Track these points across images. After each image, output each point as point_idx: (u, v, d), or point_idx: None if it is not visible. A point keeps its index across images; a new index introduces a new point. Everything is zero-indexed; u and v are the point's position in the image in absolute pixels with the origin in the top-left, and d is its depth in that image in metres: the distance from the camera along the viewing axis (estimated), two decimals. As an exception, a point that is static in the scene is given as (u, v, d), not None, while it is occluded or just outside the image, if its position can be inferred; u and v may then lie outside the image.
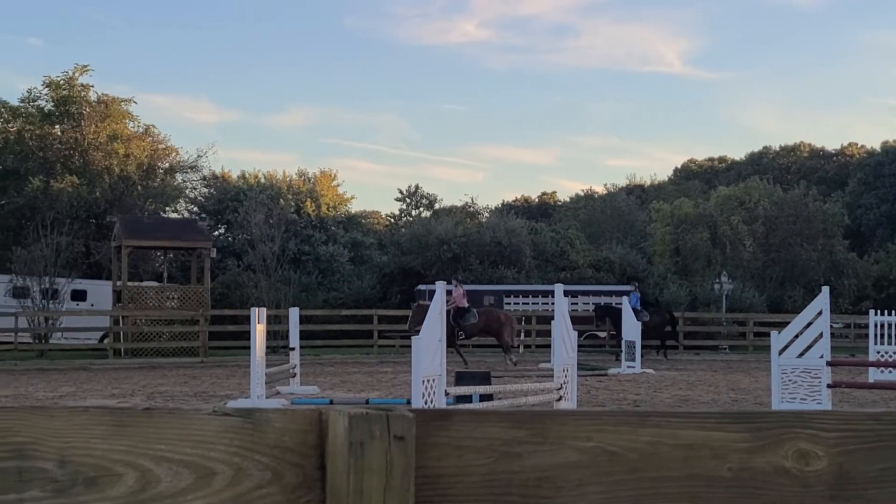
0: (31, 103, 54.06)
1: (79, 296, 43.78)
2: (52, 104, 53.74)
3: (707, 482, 2.11)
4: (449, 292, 34.72)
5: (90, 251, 49.58)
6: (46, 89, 53.73)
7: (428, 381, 14.69)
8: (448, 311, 33.09)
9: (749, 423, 2.16)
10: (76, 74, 53.55)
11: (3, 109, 54.19)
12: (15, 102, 54.45)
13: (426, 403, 14.26)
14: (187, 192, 59.76)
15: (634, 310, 35.02)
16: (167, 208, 56.96)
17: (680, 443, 2.10)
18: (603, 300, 42.84)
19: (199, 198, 59.97)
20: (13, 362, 34.68)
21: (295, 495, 1.89)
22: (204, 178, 60.30)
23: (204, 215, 55.82)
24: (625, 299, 34.73)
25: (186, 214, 57.69)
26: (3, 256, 47.80)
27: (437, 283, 16.24)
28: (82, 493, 1.80)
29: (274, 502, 1.88)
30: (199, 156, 58.90)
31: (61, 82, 53.44)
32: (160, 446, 1.84)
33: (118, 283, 40.93)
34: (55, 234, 42.63)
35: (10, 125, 54.18)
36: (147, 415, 1.86)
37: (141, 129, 56.49)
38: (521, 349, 42.37)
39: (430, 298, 18.58)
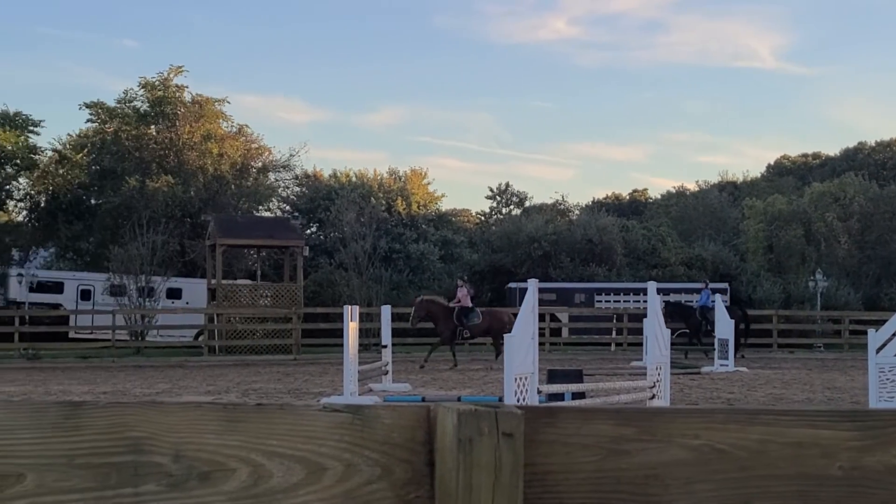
0: (128, 104, 54.96)
1: (174, 294, 44.45)
2: (148, 105, 54.57)
3: (817, 481, 2.08)
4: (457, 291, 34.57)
5: (185, 250, 50.26)
6: (142, 90, 54.59)
7: (520, 378, 14.68)
8: (451, 309, 32.86)
9: (860, 422, 2.13)
10: (171, 75, 54.34)
11: (100, 110, 55.14)
12: (112, 103, 55.42)
13: (518, 401, 14.23)
14: (280, 190, 60.34)
15: (704, 308, 34.57)
16: (260, 207, 57.53)
17: (789, 441, 2.08)
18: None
19: (292, 196, 60.51)
20: (111, 359, 35.29)
21: (404, 491, 1.90)
22: (296, 177, 60.85)
23: (297, 214, 56.32)
24: (718, 297, 34.32)
25: (279, 213, 58.23)
26: (101, 255, 48.70)
27: (529, 280, 16.22)
28: (196, 488, 1.83)
29: (383, 497, 1.89)
30: (291, 155, 59.45)
31: (157, 83, 54.25)
32: (272, 442, 1.86)
33: (213, 281, 41.43)
34: (151, 233, 43.31)
35: (107, 126, 55.11)
36: (259, 411, 1.88)
37: (234, 129, 57.14)
38: (613, 347, 42.15)
39: (521, 296, 18.56)
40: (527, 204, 76.64)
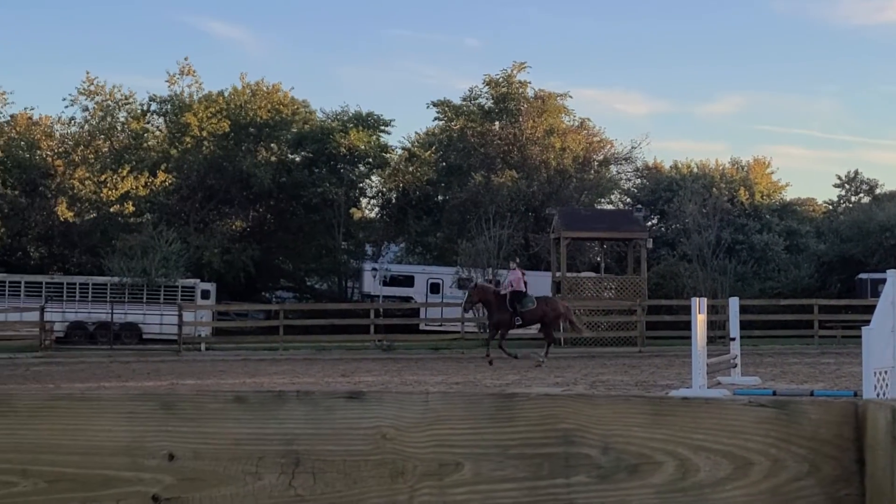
0: (473, 101, 56.38)
1: (518, 287, 45.23)
2: (492, 101, 55.79)
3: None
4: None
5: (529, 243, 51.03)
6: (486, 87, 55.86)
7: (880, 373, 14.09)
8: (504, 296, 30.58)
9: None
10: (514, 72, 55.35)
11: (446, 109, 56.83)
12: (457, 101, 57.01)
13: (878, 396, 13.68)
14: (621, 183, 60.35)
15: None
16: (602, 200, 57.77)
17: None
18: None
19: (633, 189, 60.41)
20: (460, 350, 36.24)
21: (833, 488, 1.87)
22: (637, 170, 60.75)
23: (638, 206, 56.20)
24: None
25: (620, 205, 58.24)
26: (449, 249, 50.16)
27: (888, 272, 15.53)
28: (625, 480, 1.86)
29: (812, 494, 1.86)
30: (632, 147, 59.45)
31: (500, 80, 55.37)
32: (698, 436, 1.87)
33: (557, 273, 41.87)
34: (496, 228, 44.20)
35: (453, 123, 56.76)
36: (685, 404, 1.89)
37: (576, 123, 57.61)
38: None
39: (873, 288, 17.76)
40: (878, 192, 73.43)
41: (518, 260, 35.01)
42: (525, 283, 31.32)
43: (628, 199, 59.37)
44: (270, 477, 1.85)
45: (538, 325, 31.80)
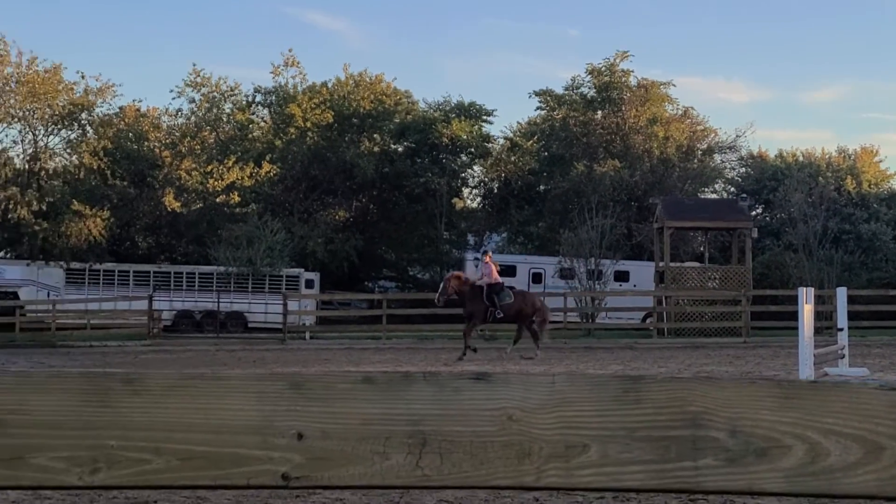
0: (575, 91, 56.17)
1: (622, 276, 45.00)
2: (595, 91, 55.50)
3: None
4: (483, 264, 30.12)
5: (631, 233, 50.71)
6: (589, 76, 55.59)
7: None
8: (481, 287, 29.01)
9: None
10: (617, 61, 55.00)
11: (548, 98, 56.69)
12: (559, 91, 56.83)
13: None
14: (725, 172, 59.69)
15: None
16: (705, 189, 57.21)
17: None
18: None
19: (737, 178, 59.71)
20: (563, 340, 36.14)
21: (966, 474, 1.84)
22: (741, 158, 60.03)
23: (743, 195, 55.54)
24: None
25: (724, 195, 57.62)
26: (550, 239, 50.05)
27: None
28: (753, 464, 1.84)
29: (948, 481, 1.83)
30: (737, 136, 58.80)
31: (602, 69, 55.06)
32: (828, 419, 1.85)
33: (660, 263, 41.57)
34: (599, 217, 44.00)
35: (555, 113, 56.61)
36: (814, 388, 1.87)
37: (679, 112, 57.09)
38: None
39: None
40: None
41: (490, 252, 33.98)
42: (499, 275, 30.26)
43: (732, 189, 58.66)
44: (398, 457, 1.87)
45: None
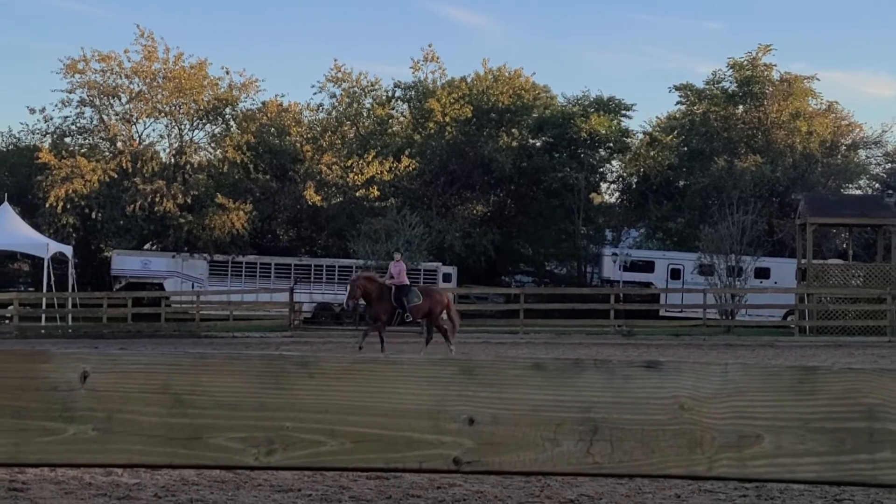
0: (716, 85, 55.43)
1: (762, 273, 44.28)
2: (736, 85, 54.71)
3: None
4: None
5: (773, 229, 49.89)
6: (730, 70, 54.81)
7: None
8: (389, 288, 28.35)
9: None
10: (759, 54, 54.14)
11: (688, 93, 56.06)
12: (700, 85, 56.15)
13: None
14: (870, 168, 58.36)
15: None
16: (849, 185, 56.01)
17: None
18: None
19: (882, 174, 58.34)
20: (702, 337, 35.75)
21: None
22: (887, 154, 58.64)
23: (890, 191, 54.18)
24: None
25: (868, 191, 56.33)
26: (690, 235, 49.49)
27: None
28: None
29: None
30: (882, 131, 57.55)
31: (744, 63, 54.23)
32: None
33: (802, 260, 40.81)
34: (740, 213, 43.35)
35: (695, 107, 55.98)
36: None
37: (823, 107, 55.98)
38: None
39: None
40: None
41: (401, 252, 33.60)
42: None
43: (877, 185, 57.33)
44: (568, 444, 1.88)
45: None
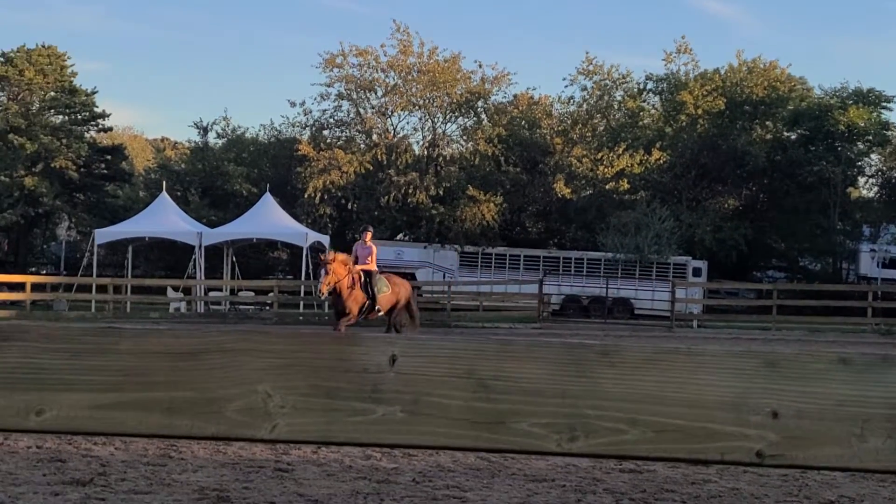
0: None
1: None
2: None
3: None
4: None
5: None
6: None
7: None
8: (360, 275, 22.32)
9: None
10: None
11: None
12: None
13: None
14: None
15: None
16: None
17: None
18: None
19: None
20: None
21: None
22: None
23: None
24: None
25: None
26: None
27: None
28: None
29: None
30: None
31: None
32: None
33: None
34: None
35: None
36: None
37: None
38: None
39: None
40: None
41: (372, 228, 25.28)
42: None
43: None
44: (876, 440, 1.85)
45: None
